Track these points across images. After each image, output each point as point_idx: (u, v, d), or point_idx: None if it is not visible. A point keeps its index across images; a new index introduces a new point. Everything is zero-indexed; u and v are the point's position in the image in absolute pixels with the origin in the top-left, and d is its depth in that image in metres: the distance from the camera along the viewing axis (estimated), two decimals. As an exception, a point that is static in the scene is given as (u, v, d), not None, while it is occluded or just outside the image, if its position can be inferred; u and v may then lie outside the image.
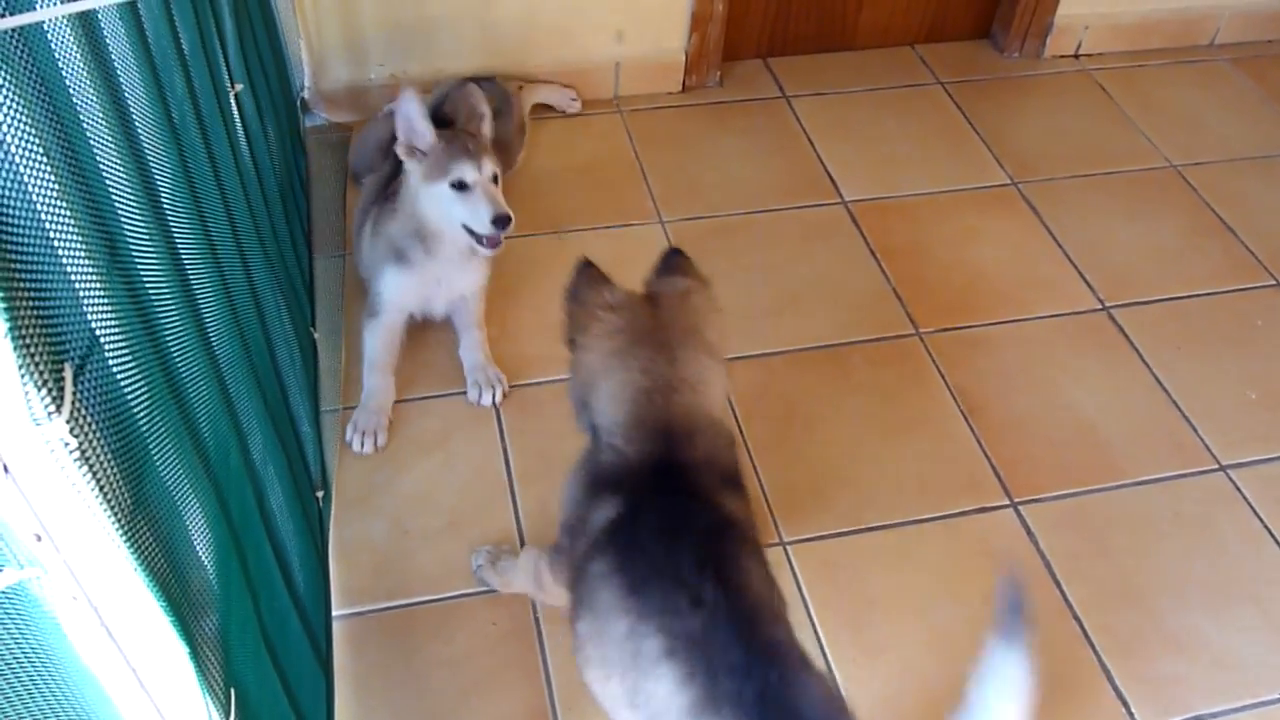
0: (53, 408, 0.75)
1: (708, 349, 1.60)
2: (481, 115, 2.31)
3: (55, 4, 0.97)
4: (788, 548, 2.07)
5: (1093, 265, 2.72)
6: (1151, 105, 3.25)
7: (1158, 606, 2.02)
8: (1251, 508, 2.19)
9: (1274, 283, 2.70)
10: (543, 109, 3.05)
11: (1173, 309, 2.63)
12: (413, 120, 2.19)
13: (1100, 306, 2.62)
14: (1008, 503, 2.18)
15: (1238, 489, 2.23)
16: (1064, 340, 2.53)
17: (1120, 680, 1.91)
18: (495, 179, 2.22)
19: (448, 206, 2.19)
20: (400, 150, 2.21)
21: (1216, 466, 2.27)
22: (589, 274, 1.66)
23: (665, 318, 1.61)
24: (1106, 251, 2.76)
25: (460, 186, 2.17)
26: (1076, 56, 3.43)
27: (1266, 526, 2.16)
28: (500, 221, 2.15)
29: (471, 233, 2.20)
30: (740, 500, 1.55)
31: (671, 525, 1.44)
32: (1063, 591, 2.03)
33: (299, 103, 2.90)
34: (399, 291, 2.31)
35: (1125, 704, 1.88)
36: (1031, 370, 2.45)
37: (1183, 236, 2.83)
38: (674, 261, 1.71)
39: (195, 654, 0.98)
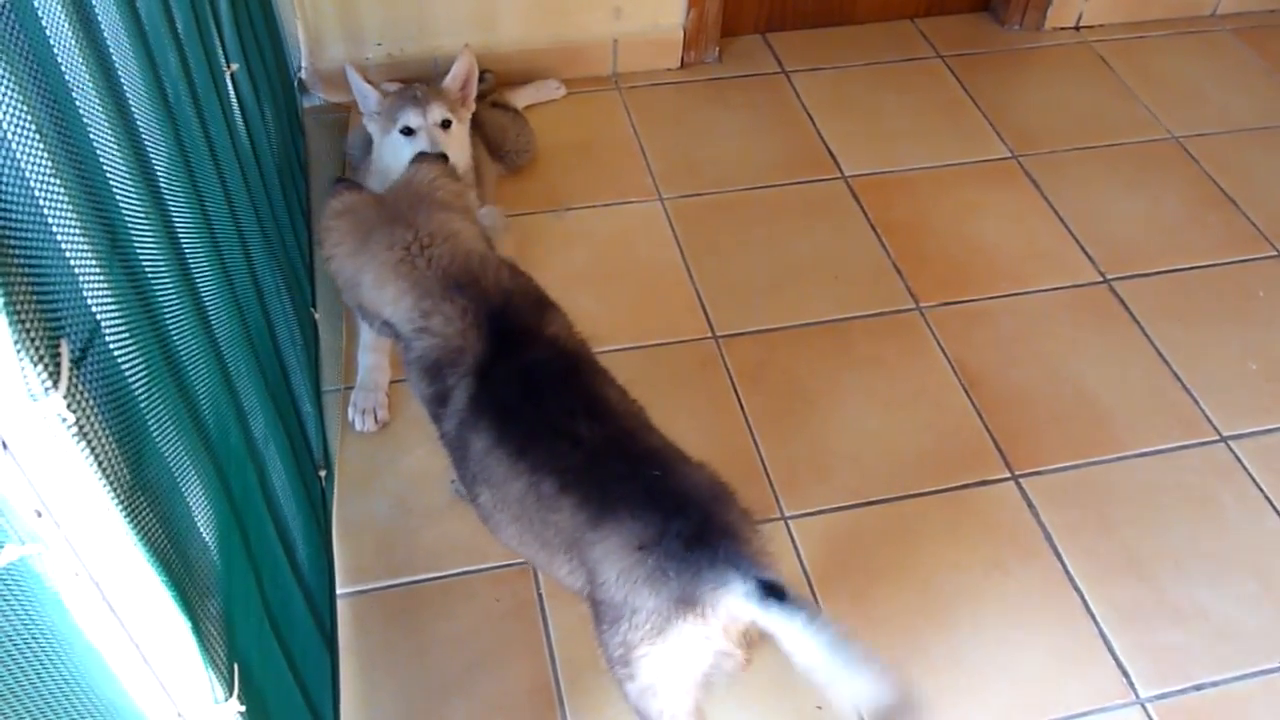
0: (49, 383, 0.75)
1: (443, 206, 1.69)
2: (448, 73, 2.41)
3: (46, -19, 0.97)
4: (789, 522, 2.07)
5: (1093, 238, 2.71)
6: (1152, 77, 3.24)
7: (1158, 577, 2.02)
8: (1252, 478, 2.19)
9: (1275, 253, 2.69)
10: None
11: (1174, 281, 2.62)
12: (355, 86, 2.35)
13: (1101, 279, 2.61)
14: (1008, 475, 2.18)
15: (1239, 460, 2.23)
16: (1065, 313, 2.53)
17: (1120, 651, 1.92)
18: (446, 124, 2.34)
19: (399, 150, 2.29)
20: (366, 123, 2.39)
21: (1218, 438, 2.27)
22: (336, 191, 1.73)
23: (390, 201, 1.70)
24: (1107, 224, 2.76)
25: (408, 132, 2.30)
26: (1077, 28, 3.41)
27: (1267, 497, 2.16)
28: None
29: None
30: (557, 315, 1.67)
31: (528, 386, 1.56)
32: (1064, 563, 2.03)
33: (296, 83, 2.89)
34: None
35: (1125, 674, 1.89)
36: (1032, 343, 2.45)
37: (1184, 208, 2.82)
38: (416, 158, 1.83)
39: (197, 628, 0.99)
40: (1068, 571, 2.03)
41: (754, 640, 1.68)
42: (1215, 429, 2.28)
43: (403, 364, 1.70)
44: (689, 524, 1.38)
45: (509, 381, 1.56)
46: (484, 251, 1.68)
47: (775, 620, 1.32)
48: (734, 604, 1.36)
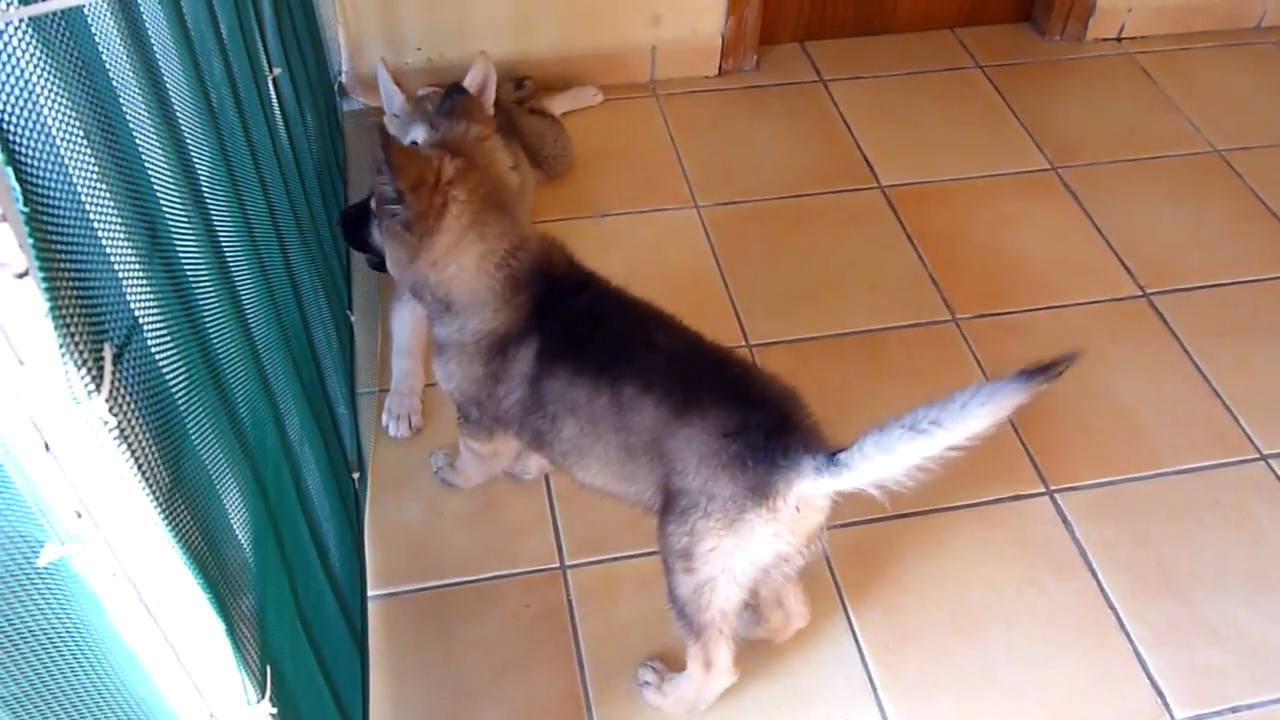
0: (92, 387, 0.76)
1: (520, 200, 1.80)
2: (467, 85, 2.34)
3: (96, -11, 0.98)
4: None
5: (1133, 251, 2.68)
6: (1196, 89, 3.20)
7: (1195, 596, 2.00)
8: (1293, 498, 2.16)
9: (1320, 270, 2.65)
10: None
11: (1215, 296, 2.59)
12: (383, 86, 2.31)
13: (1140, 293, 2.58)
14: (1043, 490, 2.16)
15: (1279, 479, 2.19)
16: (1103, 327, 2.50)
17: (1155, 670, 1.89)
18: None
19: None
20: (387, 125, 2.34)
21: (1257, 456, 2.24)
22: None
23: (491, 176, 1.67)
24: (1147, 238, 2.72)
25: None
26: (1119, 39, 3.38)
27: (1308, 517, 2.13)
28: None
29: None
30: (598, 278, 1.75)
31: (594, 318, 1.65)
32: (1099, 580, 2.01)
33: (337, 87, 2.92)
34: None
35: (1160, 694, 1.86)
36: (1069, 357, 2.42)
37: (1226, 222, 2.78)
38: (457, 102, 1.74)
39: (232, 631, 1.00)
40: (1103, 589, 2.00)
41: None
42: (1255, 447, 2.25)
43: (445, 358, 1.75)
44: (769, 418, 1.48)
45: (574, 320, 1.64)
46: (543, 239, 1.73)
47: (848, 475, 1.44)
48: (807, 485, 1.45)
